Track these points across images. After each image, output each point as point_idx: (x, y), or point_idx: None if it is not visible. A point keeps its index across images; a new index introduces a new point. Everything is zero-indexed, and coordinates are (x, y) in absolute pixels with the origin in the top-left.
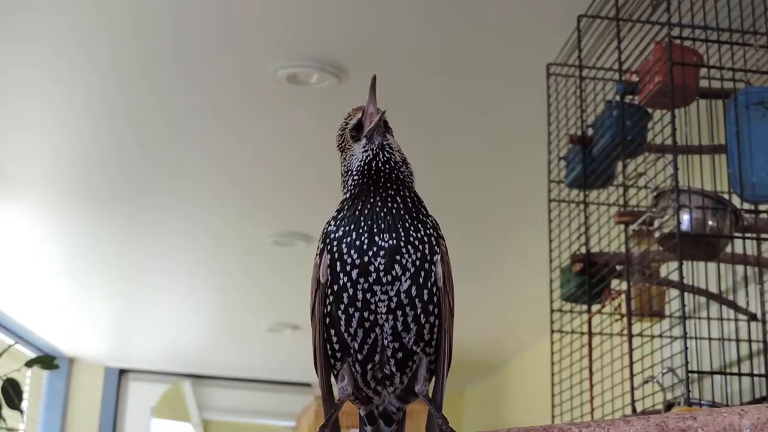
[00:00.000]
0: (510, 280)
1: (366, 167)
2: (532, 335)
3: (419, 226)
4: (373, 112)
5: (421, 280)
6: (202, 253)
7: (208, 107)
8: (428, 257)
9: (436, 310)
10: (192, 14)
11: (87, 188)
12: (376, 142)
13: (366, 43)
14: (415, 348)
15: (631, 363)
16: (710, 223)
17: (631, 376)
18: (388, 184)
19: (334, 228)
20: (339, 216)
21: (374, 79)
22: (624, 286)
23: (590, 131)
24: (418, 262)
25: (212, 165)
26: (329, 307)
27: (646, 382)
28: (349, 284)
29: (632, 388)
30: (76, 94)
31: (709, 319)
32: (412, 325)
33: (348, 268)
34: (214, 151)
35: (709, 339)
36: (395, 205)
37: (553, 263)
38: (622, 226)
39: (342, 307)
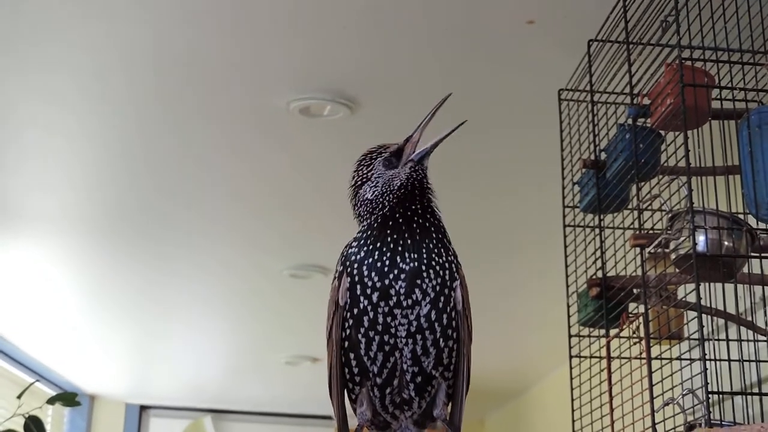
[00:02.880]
0: (527, 307)
1: (413, 186)
2: (552, 362)
3: (442, 250)
4: (417, 137)
5: (440, 304)
6: (220, 288)
7: (224, 142)
8: (448, 282)
9: (455, 335)
10: (206, 49)
11: (104, 224)
12: (425, 165)
13: (377, 73)
14: (434, 372)
15: (651, 386)
16: (726, 243)
17: (651, 398)
18: (427, 210)
19: (356, 249)
20: (362, 237)
21: (444, 99)
22: (641, 309)
23: (603, 155)
24: (438, 287)
25: (228, 198)
26: (348, 331)
27: (667, 404)
28: (369, 307)
29: (652, 411)
30: (92, 129)
31: (728, 340)
32: (431, 349)
33: (368, 291)
34: (230, 185)
35: (729, 360)
36: (423, 227)
37: (570, 288)
38: (637, 250)
39: (362, 330)
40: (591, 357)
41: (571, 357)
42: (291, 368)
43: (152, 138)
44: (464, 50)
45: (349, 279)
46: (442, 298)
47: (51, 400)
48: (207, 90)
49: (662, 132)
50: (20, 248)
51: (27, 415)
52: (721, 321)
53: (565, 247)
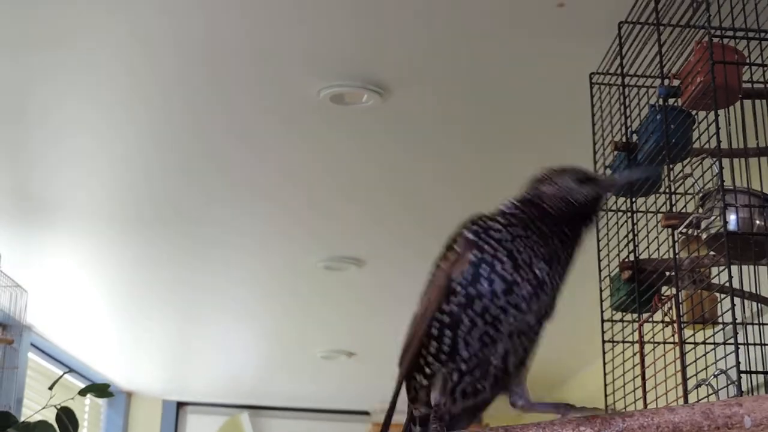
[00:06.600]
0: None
1: (585, 207)
2: (587, 354)
3: (564, 274)
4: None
5: (544, 319)
6: (254, 282)
7: (255, 136)
8: (555, 303)
9: (540, 341)
10: (232, 36)
11: (136, 220)
12: (608, 194)
13: (408, 61)
14: (513, 370)
15: (684, 367)
16: (758, 222)
17: (684, 380)
18: (578, 232)
19: (500, 227)
20: (507, 219)
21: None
22: (674, 291)
23: (635, 138)
24: (548, 308)
25: (261, 189)
26: (454, 307)
27: (699, 385)
28: (488, 293)
29: (685, 393)
30: (125, 125)
31: (761, 324)
32: (520, 352)
33: (494, 276)
34: (260, 179)
35: (762, 345)
36: (566, 245)
37: (602, 273)
38: (669, 232)
39: (470, 312)
40: (624, 342)
41: (604, 342)
42: (327, 363)
43: (181, 133)
44: (495, 38)
45: (479, 254)
46: (547, 314)
47: (83, 391)
48: (237, 80)
49: (693, 112)
50: (54, 244)
51: (59, 407)
52: (755, 308)
53: (597, 231)
